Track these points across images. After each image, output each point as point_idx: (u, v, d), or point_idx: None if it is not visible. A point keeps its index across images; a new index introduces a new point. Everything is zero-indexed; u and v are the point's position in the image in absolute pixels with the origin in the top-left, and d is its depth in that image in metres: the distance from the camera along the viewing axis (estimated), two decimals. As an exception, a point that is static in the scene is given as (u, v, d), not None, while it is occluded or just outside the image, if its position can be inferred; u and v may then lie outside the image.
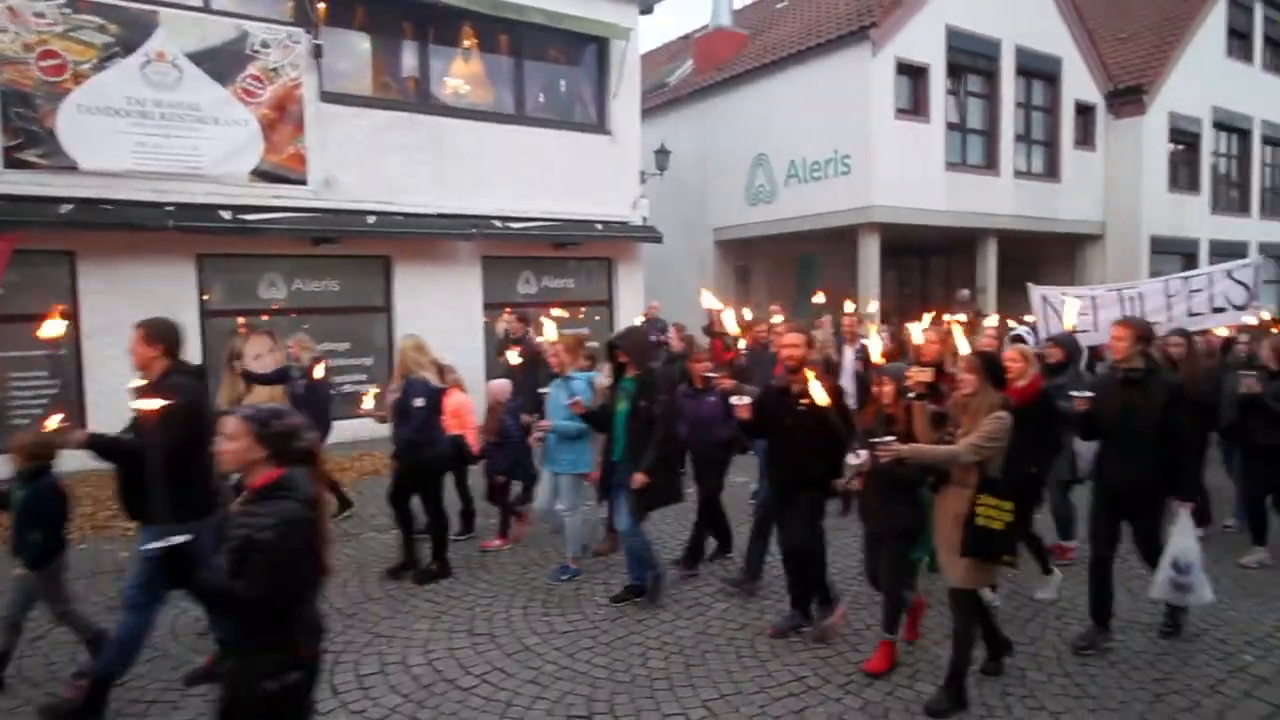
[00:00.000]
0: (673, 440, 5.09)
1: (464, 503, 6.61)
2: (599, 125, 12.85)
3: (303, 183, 10.20)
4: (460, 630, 4.82)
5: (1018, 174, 16.28)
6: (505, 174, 11.72)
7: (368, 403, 5.99)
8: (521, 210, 11.83)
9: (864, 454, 4.01)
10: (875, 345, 4.54)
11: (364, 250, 10.88)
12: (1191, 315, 7.68)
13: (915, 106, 14.79)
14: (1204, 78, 18.49)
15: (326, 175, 10.34)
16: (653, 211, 13.49)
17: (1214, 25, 19.00)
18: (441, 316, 11.00)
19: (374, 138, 10.76)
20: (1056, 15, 16.54)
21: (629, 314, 12.36)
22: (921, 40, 14.56)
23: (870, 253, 14.81)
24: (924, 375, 4.20)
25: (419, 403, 5.38)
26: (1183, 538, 4.31)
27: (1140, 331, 4.50)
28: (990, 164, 15.93)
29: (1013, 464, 3.92)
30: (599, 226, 12.53)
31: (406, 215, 10.90)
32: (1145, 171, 17.62)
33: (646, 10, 13.30)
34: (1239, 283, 7.64)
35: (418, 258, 11.22)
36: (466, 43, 11.88)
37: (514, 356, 5.78)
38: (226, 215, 9.57)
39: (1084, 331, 7.48)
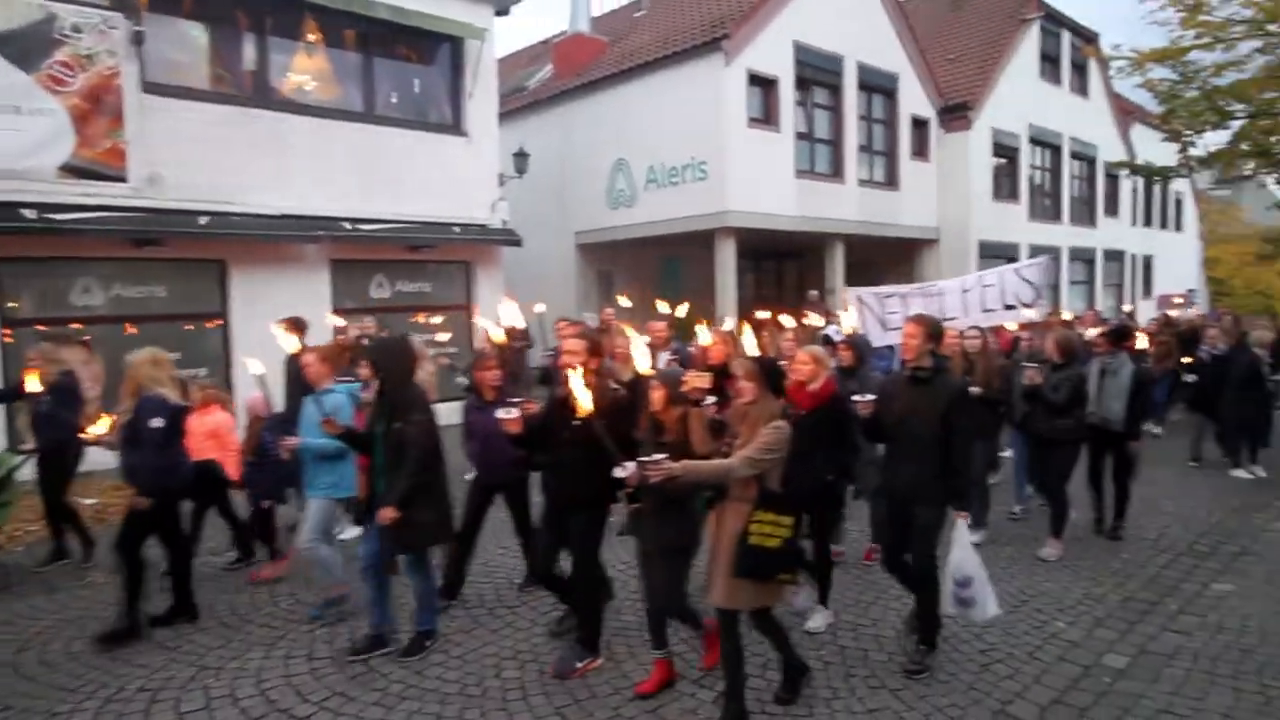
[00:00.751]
0: (433, 468, 4.39)
1: (234, 528, 5.99)
2: (455, 126, 12.54)
3: (122, 179, 9.34)
4: (299, 655, 4.52)
5: (861, 182, 17.20)
6: (355, 174, 11.22)
7: (97, 428, 4.92)
8: (373, 211, 11.35)
9: (631, 467, 3.48)
10: (641, 354, 4.13)
11: (195, 253, 10.10)
12: (985, 311, 7.93)
13: (767, 116, 15.33)
14: (1021, 97, 20.22)
15: (150, 172, 9.52)
16: (513, 215, 13.29)
17: (1028, 50, 20.82)
18: (286, 323, 10.39)
19: (206, 132, 10.00)
20: (893, 35, 17.62)
21: (488, 317, 12.11)
22: (771, 53, 15.11)
23: (726, 256, 15.22)
24: (700, 381, 3.99)
25: (156, 423, 4.65)
26: (959, 549, 4.13)
27: (931, 330, 4.33)
28: (836, 172, 16.75)
29: (802, 474, 3.68)
30: (456, 229, 12.22)
31: (244, 216, 10.21)
32: (972, 182, 19.08)
33: (503, 12, 13.09)
34: (1027, 281, 7.95)
35: (257, 261, 10.53)
36: (310, 36, 11.29)
37: (254, 366, 4.94)
38: (31, 214, 8.64)
39: (895, 329, 7.60)
